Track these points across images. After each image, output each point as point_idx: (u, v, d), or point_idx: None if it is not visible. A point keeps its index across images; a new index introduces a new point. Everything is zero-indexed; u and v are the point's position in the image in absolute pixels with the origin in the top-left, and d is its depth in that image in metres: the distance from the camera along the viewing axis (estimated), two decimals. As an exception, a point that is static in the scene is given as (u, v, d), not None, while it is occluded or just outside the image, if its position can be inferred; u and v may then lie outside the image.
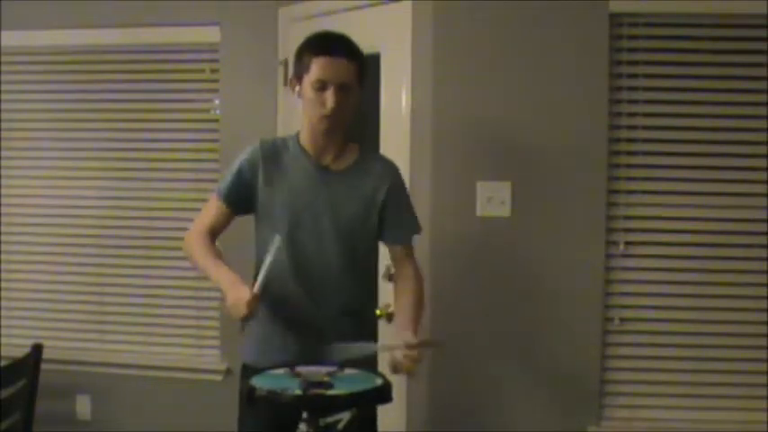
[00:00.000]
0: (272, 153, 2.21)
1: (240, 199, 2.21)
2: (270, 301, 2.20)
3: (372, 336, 2.35)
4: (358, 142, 2.30)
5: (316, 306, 2.18)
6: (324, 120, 2.13)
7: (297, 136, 2.25)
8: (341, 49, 2.12)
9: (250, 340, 2.23)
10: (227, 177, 2.23)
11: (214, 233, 2.23)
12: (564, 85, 2.73)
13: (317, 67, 2.10)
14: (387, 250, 2.33)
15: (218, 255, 2.18)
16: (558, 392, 2.78)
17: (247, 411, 2.14)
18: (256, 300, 1.99)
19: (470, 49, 2.75)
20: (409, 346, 1.96)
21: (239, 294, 1.99)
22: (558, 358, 2.78)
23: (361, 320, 2.26)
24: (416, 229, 2.33)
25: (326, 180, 2.19)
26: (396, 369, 1.98)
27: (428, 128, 2.76)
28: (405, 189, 2.32)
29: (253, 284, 2.03)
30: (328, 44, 2.13)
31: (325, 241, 2.17)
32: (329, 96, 2.09)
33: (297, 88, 2.19)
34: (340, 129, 2.19)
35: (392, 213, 2.24)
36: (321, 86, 2.10)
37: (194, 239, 2.22)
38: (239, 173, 2.20)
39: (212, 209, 2.24)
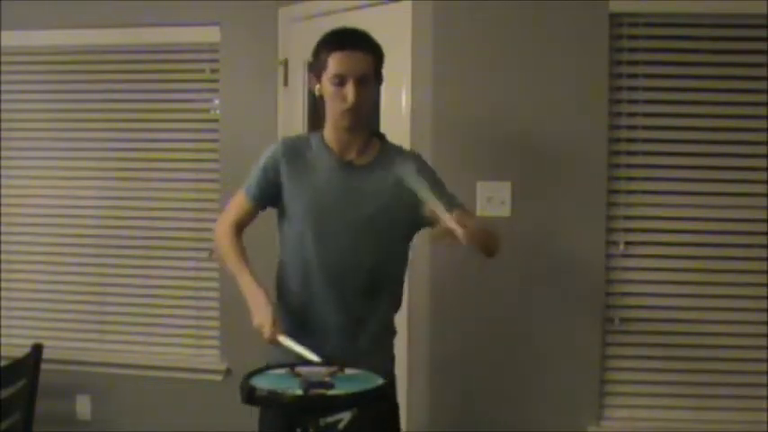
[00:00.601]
0: (295, 151, 2.20)
1: (266, 196, 2.22)
2: (293, 299, 2.20)
3: (391, 345, 2.31)
4: (380, 136, 2.28)
5: (339, 307, 2.16)
6: (346, 114, 2.12)
7: (320, 134, 2.24)
8: (356, 42, 2.11)
9: None
10: (252, 175, 2.24)
11: (241, 226, 2.26)
12: (564, 85, 2.73)
13: (334, 63, 2.09)
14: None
15: (244, 253, 2.20)
16: (558, 392, 2.78)
17: (268, 410, 2.13)
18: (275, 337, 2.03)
19: (470, 49, 2.75)
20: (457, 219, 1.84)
21: (263, 321, 2.04)
22: (558, 358, 2.78)
23: (382, 326, 2.25)
24: (459, 202, 2.20)
25: (351, 175, 2.18)
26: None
27: (428, 128, 2.76)
28: (432, 171, 2.26)
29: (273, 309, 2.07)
30: (343, 38, 2.13)
31: (352, 238, 2.15)
32: (349, 90, 2.08)
33: (317, 86, 2.17)
34: (363, 123, 2.17)
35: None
36: (340, 81, 2.09)
37: (222, 233, 2.24)
38: (264, 171, 2.20)
39: (240, 204, 2.25)
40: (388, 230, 2.18)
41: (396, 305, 2.31)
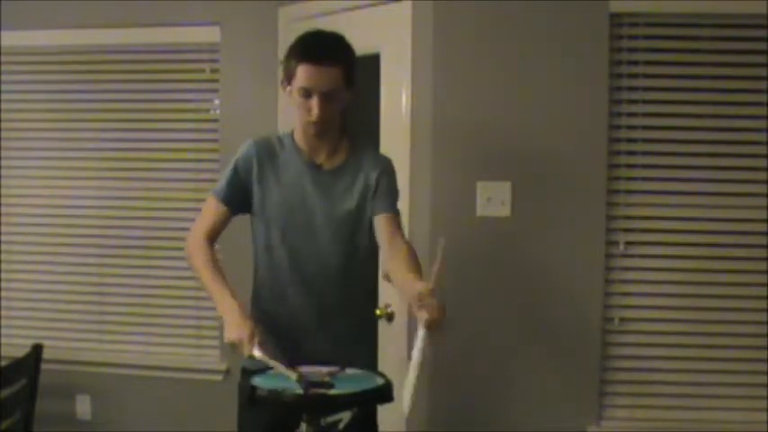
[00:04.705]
0: (267, 151, 2.21)
1: (237, 198, 2.20)
2: (266, 301, 2.20)
3: (372, 337, 2.35)
4: (350, 138, 2.28)
5: (312, 307, 2.17)
6: (311, 126, 2.13)
7: (292, 133, 2.25)
8: (325, 56, 2.08)
9: None
10: (223, 177, 2.23)
11: (214, 235, 2.22)
12: (564, 85, 2.73)
13: (301, 75, 2.08)
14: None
15: (218, 266, 2.15)
16: (558, 393, 2.78)
17: (247, 414, 2.14)
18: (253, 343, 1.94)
19: (470, 49, 2.75)
20: (423, 296, 1.83)
21: (240, 336, 1.94)
22: (557, 358, 2.78)
23: (359, 321, 2.26)
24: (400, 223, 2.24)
25: (319, 179, 2.19)
26: (431, 326, 1.84)
27: (428, 128, 2.76)
28: (394, 177, 2.26)
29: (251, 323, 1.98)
30: (313, 51, 2.10)
31: (319, 240, 2.16)
32: (314, 104, 2.08)
33: (288, 89, 2.17)
34: (330, 130, 2.18)
35: (379, 191, 2.19)
36: (306, 94, 2.09)
37: (195, 246, 2.19)
38: (235, 172, 2.20)
39: (211, 210, 2.23)
40: (354, 234, 2.19)
41: (370, 299, 2.30)
